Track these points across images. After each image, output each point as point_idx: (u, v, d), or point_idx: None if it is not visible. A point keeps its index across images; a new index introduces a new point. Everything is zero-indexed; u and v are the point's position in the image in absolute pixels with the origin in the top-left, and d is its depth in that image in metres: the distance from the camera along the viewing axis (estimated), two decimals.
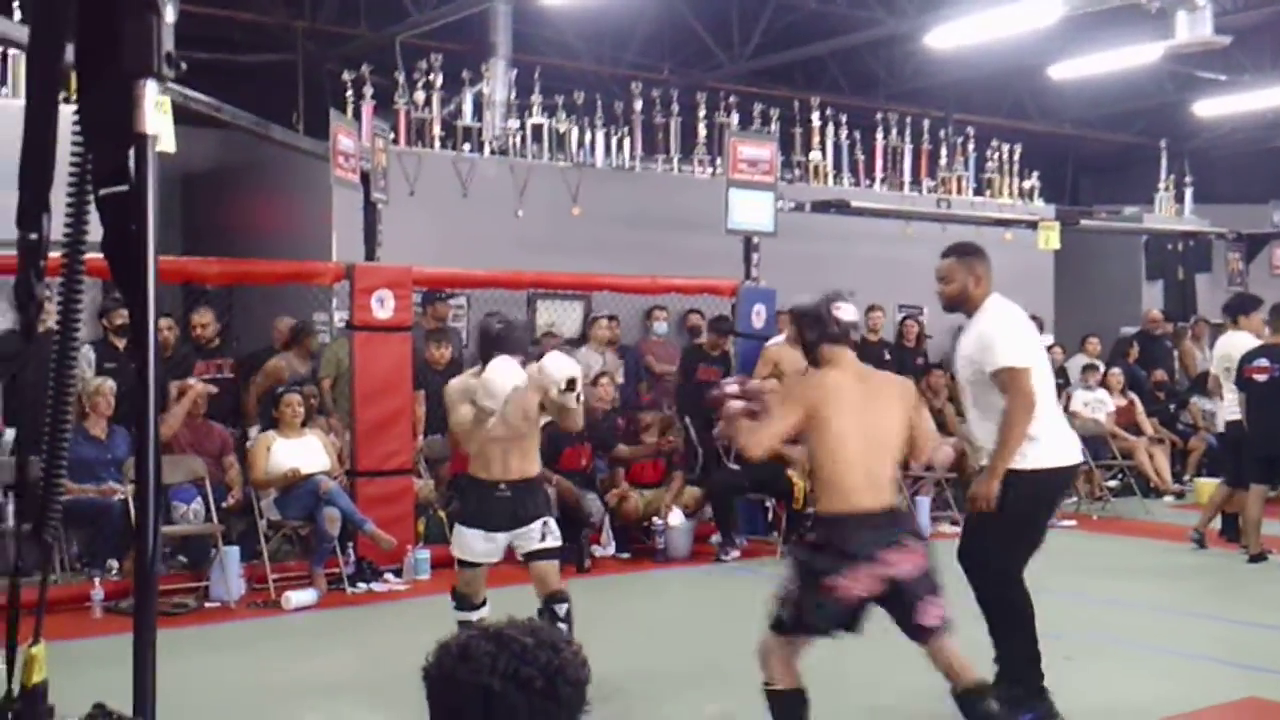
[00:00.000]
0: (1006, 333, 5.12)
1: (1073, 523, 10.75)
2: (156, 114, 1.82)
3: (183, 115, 7.31)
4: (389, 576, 7.97)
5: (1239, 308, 9.61)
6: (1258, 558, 8.77)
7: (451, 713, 1.62)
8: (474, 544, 5.44)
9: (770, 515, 9.72)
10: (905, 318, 12.41)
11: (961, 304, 5.30)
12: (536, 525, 5.41)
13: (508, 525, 5.41)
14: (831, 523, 4.25)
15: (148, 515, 1.74)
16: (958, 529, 10.27)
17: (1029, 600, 5.23)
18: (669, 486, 9.25)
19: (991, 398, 5.08)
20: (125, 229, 1.78)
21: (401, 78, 10.73)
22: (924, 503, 10.26)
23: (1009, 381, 4.99)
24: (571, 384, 5.26)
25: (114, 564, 7.46)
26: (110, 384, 7.75)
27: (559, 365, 5.34)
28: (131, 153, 1.76)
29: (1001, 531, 5.13)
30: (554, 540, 5.49)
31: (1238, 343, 9.23)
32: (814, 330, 4.48)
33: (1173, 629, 7.17)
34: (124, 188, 1.78)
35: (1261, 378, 8.75)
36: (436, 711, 1.65)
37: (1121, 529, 10.14)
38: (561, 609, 5.32)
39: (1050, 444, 5.09)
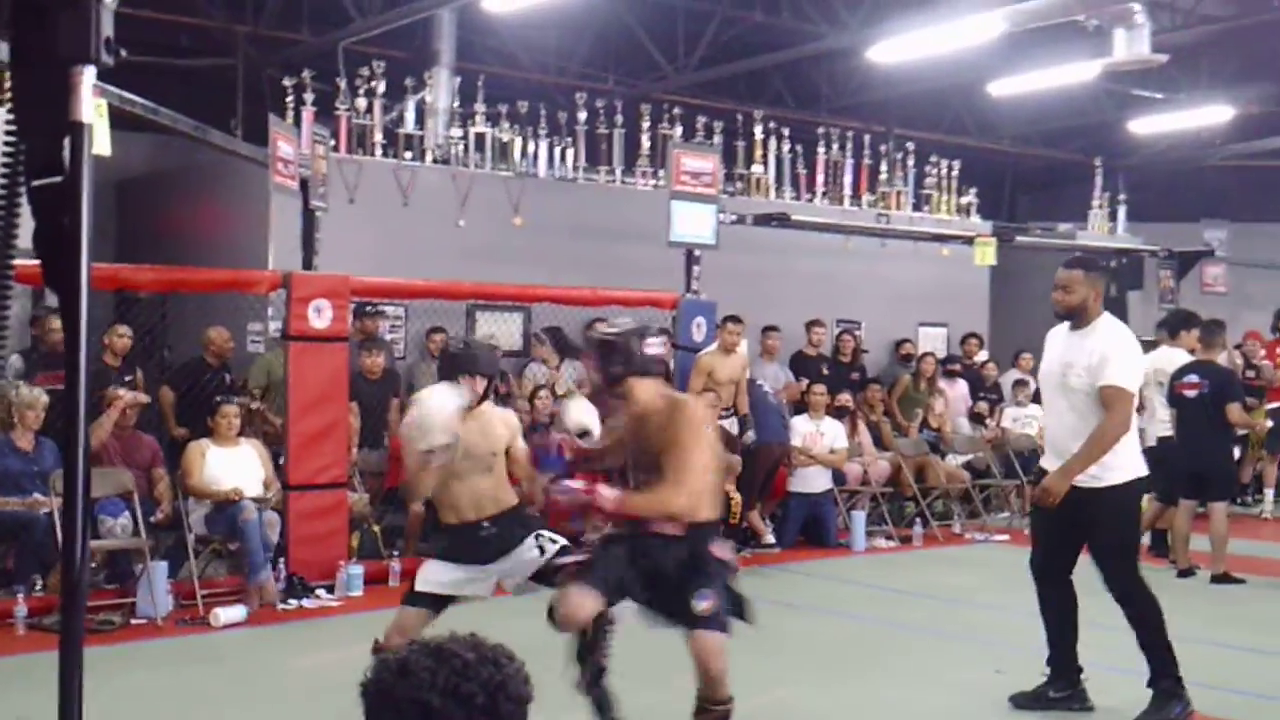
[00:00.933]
0: (1125, 355, 5.46)
1: (1005, 537, 10.87)
2: (93, 115, 1.78)
3: (118, 119, 7.18)
4: (321, 593, 7.86)
5: (1179, 324, 9.75)
6: (1186, 573, 8.90)
7: None
8: (449, 574, 4.95)
9: None
10: (842, 332, 12.49)
11: (1078, 315, 5.58)
12: (529, 541, 4.96)
13: (495, 557, 4.96)
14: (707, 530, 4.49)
15: (75, 518, 1.70)
16: (893, 544, 10.44)
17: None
18: None
19: (1086, 408, 5.43)
20: (58, 223, 1.73)
21: (343, 84, 10.63)
22: (859, 517, 10.33)
23: (1114, 400, 5.35)
24: (584, 434, 4.81)
25: (38, 580, 7.30)
26: (43, 397, 7.57)
27: (580, 413, 4.87)
28: (66, 142, 1.72)
29: (1128, 544, 5.70)
30: (557, 545, 4.96)
31: (1172, 358, 9.37)
32: (620, 364, 4.48)
33: (1104, 643, 7.21)
34: (58, 179, 1.73)
35: (1191, 394, 8.90)
36: None
37: None
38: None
39: (1138, 456, 5.62)
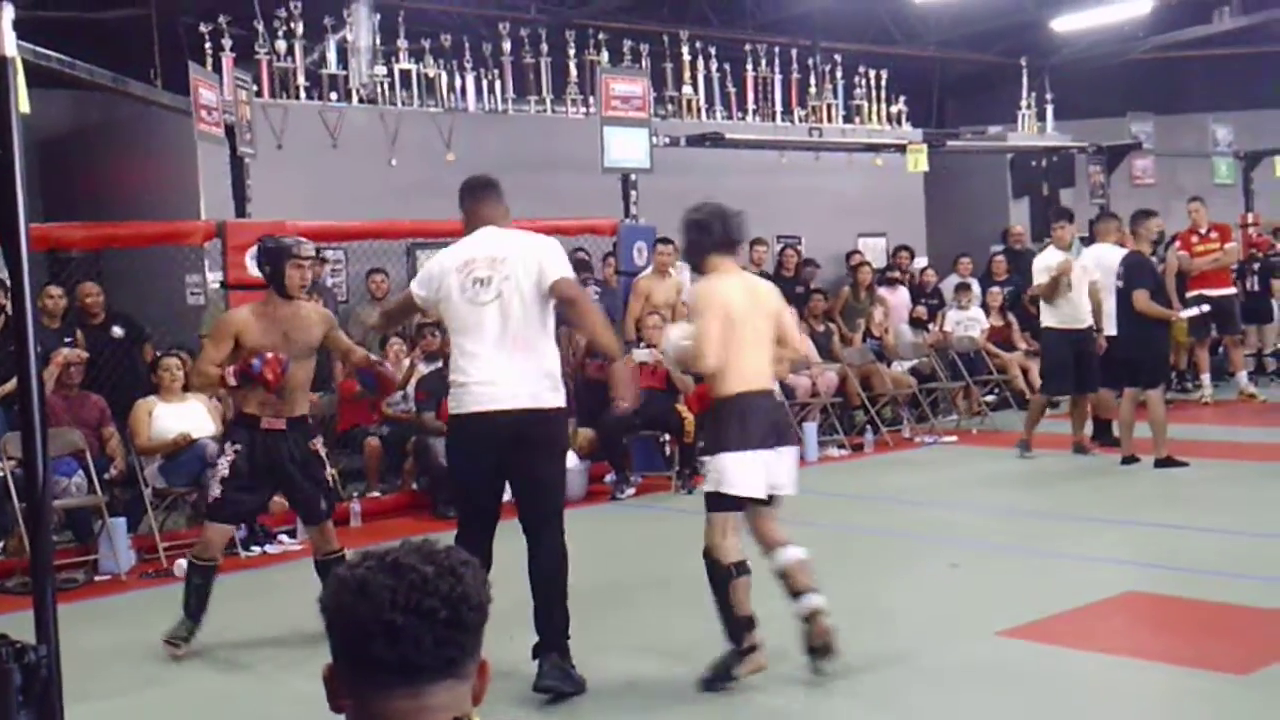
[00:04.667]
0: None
1: (953, 439, 11.07)
2: (15, 50, 1.78)
3: (35, 76, 7.00)
4: (283, 538, 7.87)
5: (1098, 222, 10.17)
6: (1129, 459, 9.11)
7: (355, 646, 1.60)
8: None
9: (667, 451, 9.81)
10: (784, 248, 12.55)
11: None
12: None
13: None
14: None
15: (34, 442, 1.72)
16: (845, 452, 10.60)
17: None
18: None
19: None
20: None
21: (261, 27, 10.44)
22: (811, 429, 10.45)
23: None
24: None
25: None
26: None
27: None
28: None
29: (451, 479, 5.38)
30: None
31: (1096, 254, 9.82)
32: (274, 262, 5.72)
33: (1052, 532, 7.45)
34: None
35: (1119, 284, 9.10)
36: (340, 646, 1.63)
37: (999, 441, 10.48)
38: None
39: (473, 390, 4.86)
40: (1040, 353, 10.18)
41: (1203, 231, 12.15)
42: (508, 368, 4.81)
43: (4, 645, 1.70)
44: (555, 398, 4.92)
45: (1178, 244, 12.22)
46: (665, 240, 10.05)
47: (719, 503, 4.86)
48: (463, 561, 1.65)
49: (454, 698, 1.62)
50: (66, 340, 8.29)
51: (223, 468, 5.62)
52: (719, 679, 4.79)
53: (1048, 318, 9.67)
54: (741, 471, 4.80)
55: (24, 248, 1.79)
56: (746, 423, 4.84)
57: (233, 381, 5.53)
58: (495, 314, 4.83)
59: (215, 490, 5.68)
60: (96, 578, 7.18)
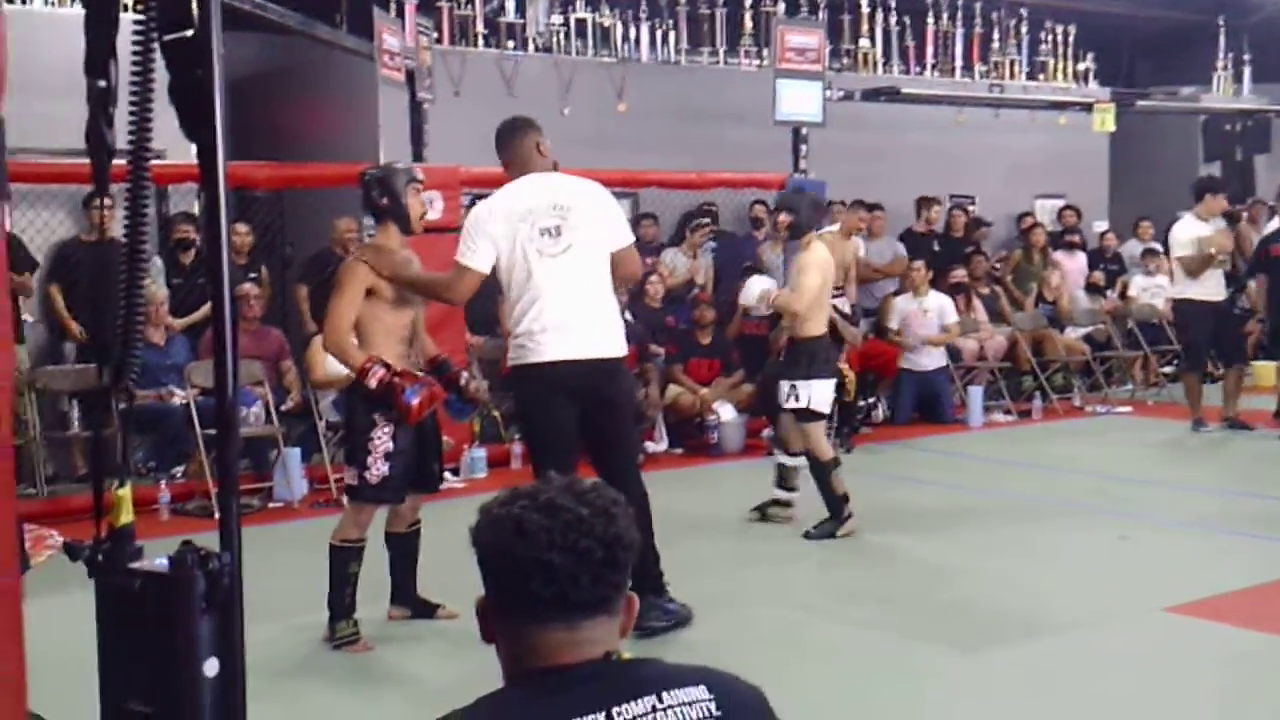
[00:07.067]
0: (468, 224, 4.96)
1: (1128, 409, 10.72)
2: None
3: (224, 19, 7.25)
4: (446, 475, 8.04)
5: (1202, 189, 9.61)
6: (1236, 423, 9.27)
7: (511, 584, 1.62)
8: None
9: None
10: (953, 208, 12.25)
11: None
12: None
13: None
14: None
15: (225, 351, 1.79)
16: (1011, 418, 10.35)
17: None
18: (722, 382, 9.29)
19: None
20: (191, 76, 1.82)
21: None
22: (976, 393, 10.24)
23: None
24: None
25: (178, 469, 7.63)
26: (163, 291, 7.87)
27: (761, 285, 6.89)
28: None
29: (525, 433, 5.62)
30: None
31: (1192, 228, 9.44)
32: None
33: (1227, 508, 7.17)
34: (188, 33, 1.81)
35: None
36: (494, 582, 1.65)
37: (1176, 414, 10.09)
38: None
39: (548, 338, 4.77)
40: (1180, 326, 9.80)
41: None
42: (582, 316, 4.78)
43: (189, 552, 1.77)
44: (622, 346, 4.96)
45: None
46: (877, 207, 10.15)
47: (811, 416, 6.50)
48: (613, 501, 1.68)
49: (606, 632, 1.65)
50: (251, 276, 8.64)
51: (384, 441, 4.80)
52: (822, 534, 6.40)
53: (1191, 290, 9.33)
54: (826, 394, 6.54)
55: (222, 183, 1.85)
56: (829, 357, 6.68)
57: (372, 385, 4.72)
58: (567, 264, 4.77)
59: (382, 468, 4.83)
60: (270, 504, 7.49)
